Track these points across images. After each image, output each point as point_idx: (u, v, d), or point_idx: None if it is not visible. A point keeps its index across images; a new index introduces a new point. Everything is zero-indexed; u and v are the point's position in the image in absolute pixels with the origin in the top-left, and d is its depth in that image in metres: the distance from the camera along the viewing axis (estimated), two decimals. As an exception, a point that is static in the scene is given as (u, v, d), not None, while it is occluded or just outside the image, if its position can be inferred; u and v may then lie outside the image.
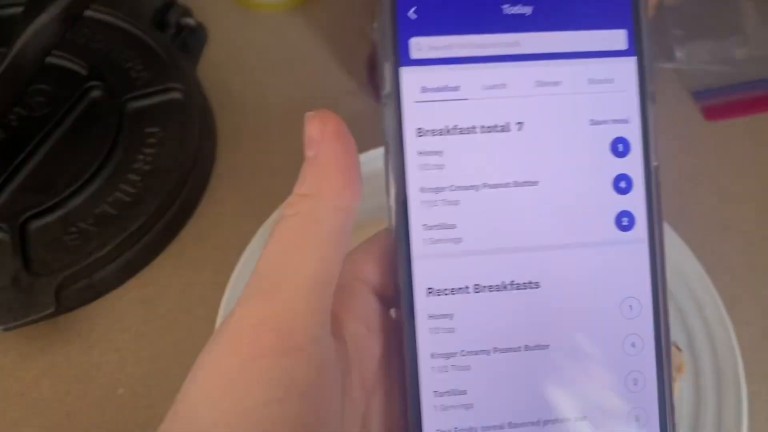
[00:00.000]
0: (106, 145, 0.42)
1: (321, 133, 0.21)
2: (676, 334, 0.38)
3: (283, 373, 0.18)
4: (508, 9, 0.22)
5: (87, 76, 0.45)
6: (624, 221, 0.22)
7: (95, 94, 0.45)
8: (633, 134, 0.22)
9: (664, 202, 0.22)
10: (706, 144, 0.48)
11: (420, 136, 0.22)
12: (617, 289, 0.22)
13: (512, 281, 0.22)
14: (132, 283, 0.41)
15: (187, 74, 0.47)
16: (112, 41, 0.47)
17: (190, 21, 0.52)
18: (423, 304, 0.22)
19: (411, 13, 0.22)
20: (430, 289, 0.22)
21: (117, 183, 0.41)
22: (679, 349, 0.36)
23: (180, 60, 0.47)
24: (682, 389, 0.36)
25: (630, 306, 0.22)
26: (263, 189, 0.45)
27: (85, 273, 0.38)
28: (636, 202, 0.22)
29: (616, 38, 0.22)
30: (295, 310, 0.19)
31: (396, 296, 0.22)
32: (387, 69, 0.21)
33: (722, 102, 0.50)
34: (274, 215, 0.40)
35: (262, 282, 0.19)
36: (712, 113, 0.49)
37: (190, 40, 0.52)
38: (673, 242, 0.40)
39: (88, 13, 0.46)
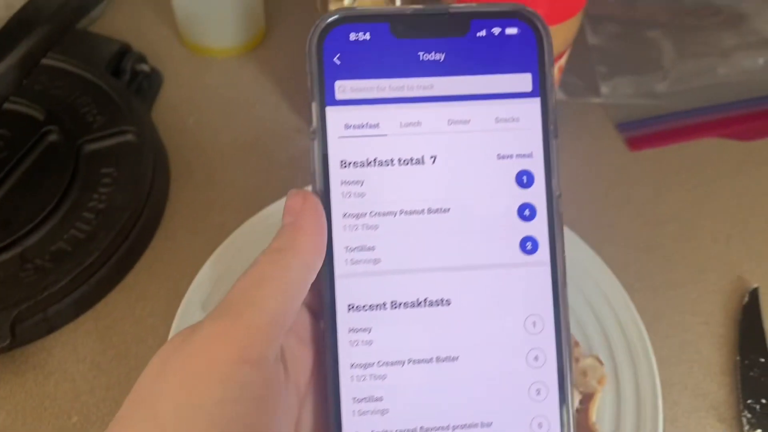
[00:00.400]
0: (62, 186, 0.44)
1: (301, 205, 0.24)
2: (599, 348, 0.40)
3: (239, 379, 0.20)
4: (424, 55, 0.24)
5: (44, 120, 0.47)
6: (528, 245, 0.25)
7: (52, 137, 0.47)
8: (536, 167, 0.25)
9: (564, 230, 0.25)
10: (630, 172, 0.52)
11: (343, 167, 0.24)
12: (522, 307, 0.25)
13: (426, 299, 0.24)
14: (87, 316, 0.42)
15: (141, 117, 0.49)
16: (68, 87, 0.50)
17: (144, 67, 0.54)
18: (344, 319, 0.24)
19: (336, 59, 0.24)
20: (350, 305, 0.24)
21: (72, 221, 0.43)
22: (600, 362, 0.39)
23: (134, 104, 0.50)
24: (603, 399, 0.38)
25: (533, 323, 0.25)
26: (214, 224, 0.47)
27: (40, 307, 0.40)
28: (539, 228, 0.25)
29: (522, 81, 0.25)
30: (253, 333, 0.21)
31: (321, 311, 0.24)
32: (314, 108, 0.24)
33: (644, 133, 0.53)
34: (218, 250, 0.42)
35: (231, 307, 0.22)
36: (635, 143, 0.53)
37: (146, 84, 0.55)
38: (595, 264, 0.43)
39: (45, 61, 0.48)
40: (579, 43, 0.56)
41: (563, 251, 0.25)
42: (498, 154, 0.25)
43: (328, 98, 0.24)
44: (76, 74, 0.51)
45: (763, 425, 0.39)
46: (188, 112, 0.54)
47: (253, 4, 0.57)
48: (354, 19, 0.24)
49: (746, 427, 0.39)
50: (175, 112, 0.54)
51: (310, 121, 0.24)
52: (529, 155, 0.25)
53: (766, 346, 0.42)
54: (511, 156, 0.25)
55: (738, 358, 0.42)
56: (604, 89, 0.55)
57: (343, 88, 0.24)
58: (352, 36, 0.24)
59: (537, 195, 0.25)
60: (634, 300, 0.42)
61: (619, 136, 0.54)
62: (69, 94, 0.50)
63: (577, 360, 0.39)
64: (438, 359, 0.24)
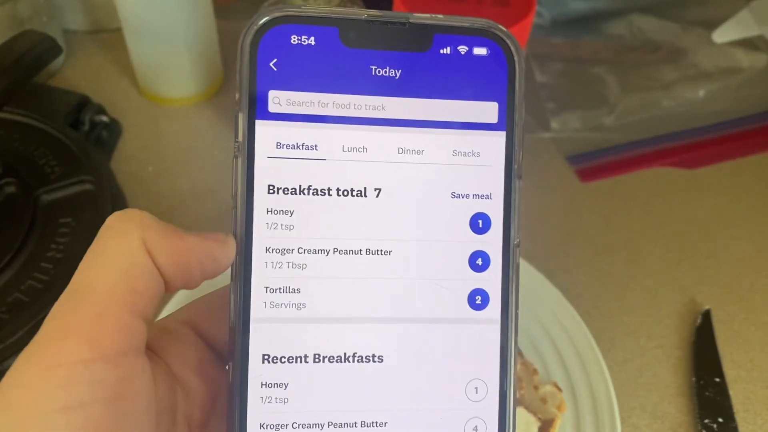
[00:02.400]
0: (20, 236, 0.44)
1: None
2: (557, 375, 0.41)
3: (87, 380, 0.18)
4: (377, 70, 0.21)
5: (2, 173, 0.47)
6: (477, 299, 0.22)
7: (10, 189, 0.47)
8: (495, 211, 0.21)
9: (519, 282, 0.22)
10: (581, 202, 0.53)
11: (271, 193, 0.21)
12: (464, 370, 0.22)
13: (354, 353, 0.21)
14: (45, 367, 0.42)
15: (100, 166, 0.50)
16: (26, 140, 0.50)
17: (103, 118, 0.55)
18: (257, 371, 0.21)
19: (272, 65, 0.20)
20: (266, 355, 0.21)
21: (30, 271, 0.43)
22: (559, 389, 0.39)
23: (92, 154, 0.50)
24: (563, 426, 0.39)
25: (476, 388, 0.22)
26: (174, 269, 0.47)
27: (-4, 360, 0.40)
28: (492, 280, 0.22)
29: (487, 110, 0.21)
30: (102, 324, 0.18)
31: (230, 358, 0.21)
32: (241, 120, 0.20)
33: (594, 164, 0.55)
34: (176, 297, 0.42)
35: (73, 296, 0.19)
36: (585, 175, 0.55)
37: (105, 134, 0.55)
38: (550, 293, 0.44)
39: (2, 114, 0.49)
40: (527, 81, 0.58)
41: (516, 309, 0.22)
42: (452, 193, 0.21)
43: (259, 110, 0.21)
44: (34, 127, 0.51)
45: (720, 444, 0.40)
46: (147, 161, 0.55)
47: (210, 54, 0.58)
48: (297, 20, 0.20)
49: (704, 447, 0.40)
50: (134, 161, 0.55)
51: (235, 135, 0.21)
52: (488, 196, 0.21)
53: (720, 366, 0.43)
54: (467, 195, 0.21)
55: (694, 379, 0.43)
56: (554, 124, 0.57)
57: (278, 100, 0.21)
58: (294, 39, 0.20)
59: (492, 242, 0.22)
60: (590, 326, 0.43)
61: (570, 168, 0.55)
62: (27, 147, 0.50)
63: (536, 387, 0.39)
64: (363, 424, 0.21)
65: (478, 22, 0.21)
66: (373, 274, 0.21)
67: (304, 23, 0.21)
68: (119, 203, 0.50)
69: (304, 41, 0.21)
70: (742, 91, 0.60)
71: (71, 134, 0.51)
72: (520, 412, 0.37)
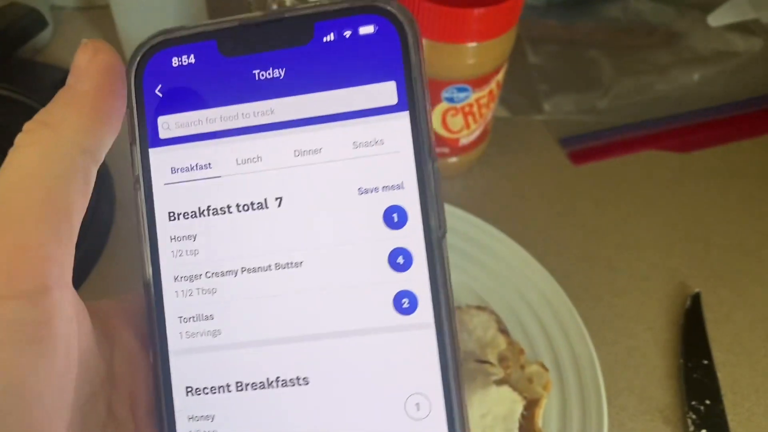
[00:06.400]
0: (2, 212, 0.43)
1: (88, 63, 0.18)
2: (543, 355, 0.41)
3: (3, 318, 0.16)
4: (260, 74, 0.20)
5: (-16, 147, 0.47)
6: (404, 303, 0.19)
7: (-7, 164, 0.46)
8: (409, 201, 0.19)
9: (452, 279, 0.19)
10: (573, 185, 0.53)
11: (172, 220, 0.20)
12: (401, 384, 0.19)
13: (278, 377, 0.20)
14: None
15: (85, 142, 0.49)
16: (11, 115, 0.50)
17: (90, 93, 0.54)
18: (183, 405, 0.20)
19: (158, 91, 0.20)
20: (189, 387, 0.20)
21: (12, 247, 0.43)
22: (545, 368, 0.39)
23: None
24: (549, 405, 0.39)
25: (417, 404, 0.19)
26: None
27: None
28: (417, 279, 0.19)
29: (384, 92, 0.19)
30: (20, 255, 0.16)
31: (155, 392, 0.20)
32: (135, 152, 0.20)
33: (586, 147, 0.55)
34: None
35: None
36: (577, 158, 0.54)
37: (92, 111, 0.55)
38: (539, 274, 0.44)
39: (-14, 89, 0.48)
40: (520, 62, 0.58)
41: (451, 309, 0.19)
42: (359, 189, 0.20)
43: (151, 139, 0.20)
44: (19, 101, 0.50)
45: (707, 426, 0.39)
46: (135, 138, 0.54)
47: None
48: (175, 41, 0.20)
49: (691, 428, 0.39)
50: (120, 139, 0.54)
51: (132, 168, 0.20)
52: (399, 186, 0.19)
53: (708, 349, 0.43)
54: (375, 189, 0.19)
55: (681, 361, 0.42)
56: (547, 106, 0.56)
57: (167, 125, 0.20)
58: (175, 61, 0.20)
59: (412, 236, 0.19)
60: (579, 308, 0.42)
61: (562, 151, 0.55)
62: (11, 122, 0.49)
63: (523, 366, 0.39)
64: None
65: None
66: (286, 289, 0.20)
67: (183, 43, 0.20)
68: (105, 181, 0.49)
69: (185, 61, 0.20)
70: (737, 75, 0.59)
71: (57, 110, 0.50)
72: (505, 390, 0.36)
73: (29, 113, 0.50)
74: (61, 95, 0.18)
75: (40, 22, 0.47)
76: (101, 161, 0.19)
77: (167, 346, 0.20)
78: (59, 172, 0.17)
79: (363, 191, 0.19)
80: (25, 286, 0.16)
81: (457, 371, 0.19)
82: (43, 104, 0.52)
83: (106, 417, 0.19)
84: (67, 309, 0.17)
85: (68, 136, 0.18)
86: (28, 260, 0.16)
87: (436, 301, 0.19)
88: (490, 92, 0.46)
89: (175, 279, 0.20)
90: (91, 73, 0.18)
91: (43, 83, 0.53)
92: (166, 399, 0.20)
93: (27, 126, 0.18)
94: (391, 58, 0.19)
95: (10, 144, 0.50)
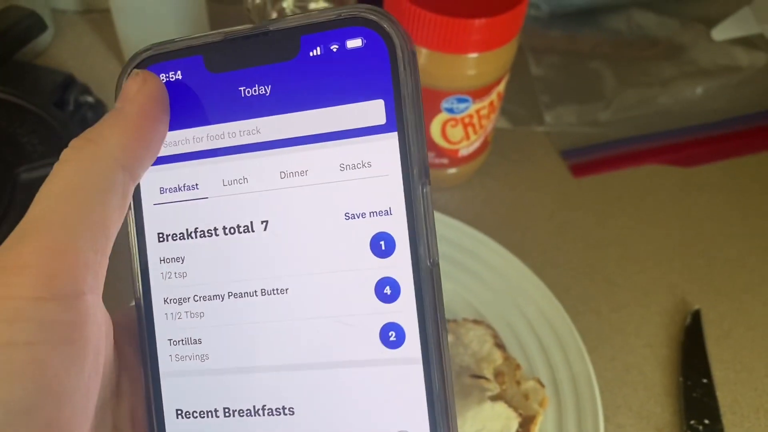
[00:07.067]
0: (-3, 215, 0.43)
1: (137, 90, 0.19)
2: (540, 371, 0.40)
3: (39, 319, 0.16)
4: (246, 91, 0.19)
5: (-19, 151, 0.46)
6: (391, 336, 0.18)
7: (-11, 167, 0.46)
8: (398, 228, 0.18)
9: (444, 312, 0.18)
10: (573, 198, 0.52)
11: (161, 241, 0.20)
12: (387, 420, 0.19)
13: (264, 406, 0.19)
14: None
15: (83, 147, 0.49)
16: (9, 117, 0.49)
17: (89, 98, 0.54)
18: (173, 428, 0.20)
19: None
20: (179, 410, 0.20)
21: (6, 251, 0.42)
22: (542, 384, 0.38)
23: (76, 133, 0.49)
24: (545, 422, 0.38)
25: None
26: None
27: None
28: (405, 311, 0.18)
29: (372, 111, 0.18)
30: (61, 255, 0.17)
31: (147, 414, 0.20)
32: None
33: (588, 160, 0.54)
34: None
35: (29, 226, 0.17)
36: (578, 170, 0.54)
37: (90, 115, 0.54)
38: (537, 287, 0.43)
39: (-15, 92, 0.48)
40: (522, 73, 0.58)
41: (442, 342, 0.18)
42: (346, 214, 0.19)
43: None
44: (18, 104, 0.50)
45: (705, 445, 0.39)
46: (133, 143, 0.54)
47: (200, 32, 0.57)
48: (163, 56, 0.20)
49: (689, 448, 0.39)
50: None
51: None
52: (387, 212, 0.18)
53: (708, 367, 0.42)
54: (362, 215, 0.18)
55: (681, 379, 0.42)
56: (548, 118, 0.56)
57: None
58: (163, 77, 0.20)
59: (400, 266, 0.18)
60: (578, 323, 0.42)
61: (563, 163, 0.54)
62: (10, 125, 0.49)
63: (519, 382, 0.38)
64: None
65: (347, 10, 0.18)
66: (272, 317, 0.19)
67: (170, 58, 0.20)
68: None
69: (172, 77, 0.20)
70: (741, 90, 0.59)
71: (55, 113, 0.50)
72: (500, 407, 0.36)
73: (28, 116, 0.50)
74: (109, 116, 0.19)
75: (39, 26, 0.46)
76: (139, 180, 0.20)
77: (158, 367, 0.20)
78: (99, 186, 0.18)
79: (350, 216, 0.19)
80: (62, 289, 0.17)
81: (446, 409, 0.18)
82: (43, 107, 0.51)
83: (112, 429, 0.20)
84: (98, 315, 0.18)
85: (110, 152, 0.18)
86: (67, 265, 0.17)
87: (424, 335, 0.18)
88: (491, 103, 0.46)
89: (165, 301, 0.20)
90: (139, 98, 0.19)
91: (42, 86, 0.52)
92: (157, 420, 0.20)
93: (73, 142, 0.18)
94: (379, 74, 0.18)
95: (10, 145, 0.49)
